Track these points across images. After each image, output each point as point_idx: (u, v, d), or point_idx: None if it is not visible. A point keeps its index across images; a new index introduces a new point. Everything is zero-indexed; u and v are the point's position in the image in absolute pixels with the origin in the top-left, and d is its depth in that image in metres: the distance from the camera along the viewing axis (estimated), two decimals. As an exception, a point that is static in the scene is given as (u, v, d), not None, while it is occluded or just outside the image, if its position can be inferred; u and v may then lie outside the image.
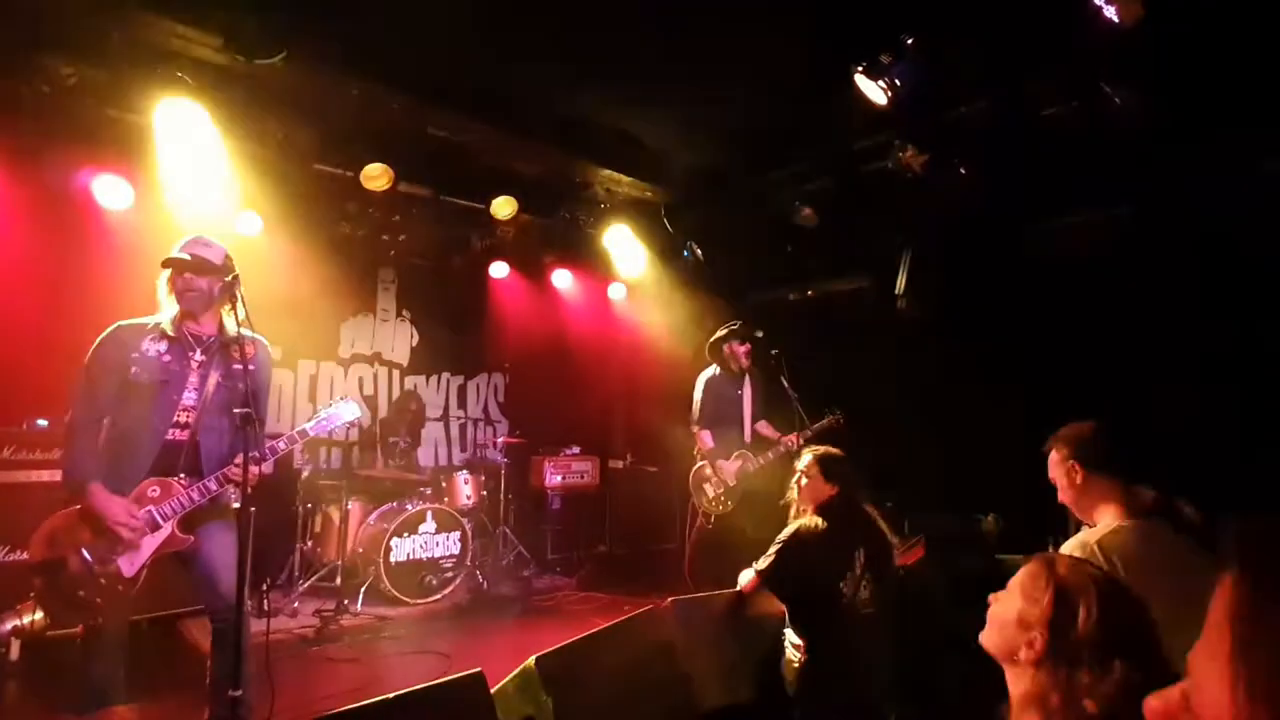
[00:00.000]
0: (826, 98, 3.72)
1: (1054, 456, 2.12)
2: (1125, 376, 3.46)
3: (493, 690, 2.04)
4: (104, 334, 2.59)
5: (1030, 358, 4.06)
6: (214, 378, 2.64)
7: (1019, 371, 4.07)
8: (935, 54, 3.05)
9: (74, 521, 2.47)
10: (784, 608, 2.86)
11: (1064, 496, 2.11)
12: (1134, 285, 3.55)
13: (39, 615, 3.36)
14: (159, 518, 2.52)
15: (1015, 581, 1.38)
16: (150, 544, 2.53)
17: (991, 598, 1.40)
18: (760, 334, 4.90)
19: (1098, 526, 1.96)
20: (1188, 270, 3.35)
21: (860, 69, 3.20)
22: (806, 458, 2.99)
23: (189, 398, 2.63)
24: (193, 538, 2.58)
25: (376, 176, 4.77)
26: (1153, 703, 0.53)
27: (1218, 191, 3.16)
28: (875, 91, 3.26)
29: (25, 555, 3.60)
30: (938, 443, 4.51)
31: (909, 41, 3.02)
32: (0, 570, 3.62)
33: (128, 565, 2.50)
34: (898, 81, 3.12)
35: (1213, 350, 3.23)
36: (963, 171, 3.76)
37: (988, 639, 1.36)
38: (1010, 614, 1.32)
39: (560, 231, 5.99)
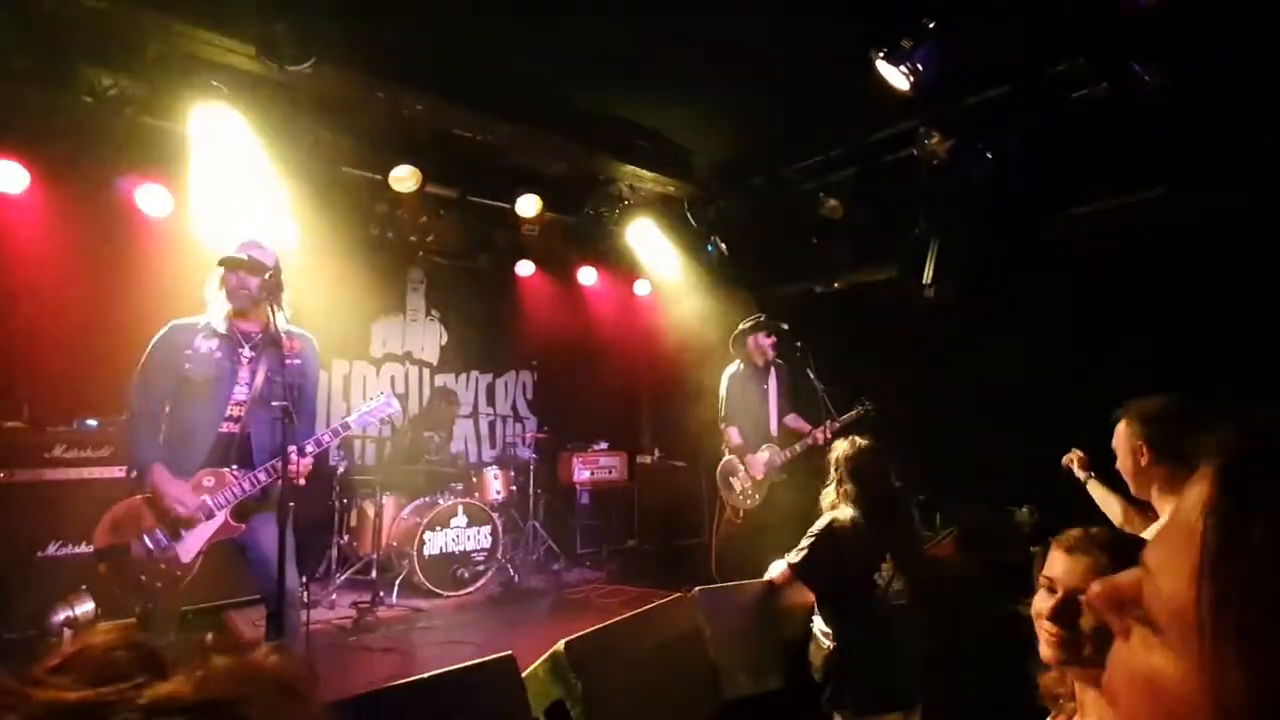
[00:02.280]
0: (848, 86, 3.70)
1: (1122, 428, 1.97)
2: (1159, 365, 3.37)
3: (523, 674, 2.08)
4: (160, 332, 2.74)
5: (1062, 345, 3.98)
6: (263, 372, 2.75)
7: (1051, 360, 3.99)
8: (957, 37, 3.01)
9: (136, 510, 2.60)
10: (813, 597, 2.85)
11: (1122, 468, 1.99)
12: (1167, 270, 3.46)
13: (90, 605, 3.53)
14: (214, 506, 2.63)
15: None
16: (205, 531, 2.65)
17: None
18: (785, 326, 4.88)
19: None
20: (1221, 254, 3.25)
21: (881, 55, 3.17)
22: (838, 449, 2.97)
23: (240, 392, 2.75)
24: (244, 526, 2.69)
25: (404, 178, 4.86)
26: (1097, 588, 0.49)
27: (1251, 172, 3.06)
28: (897, 77, 3.23)
29: (77, 549, 3.80)
30: (970, 433, 4.45)
31: (930, 25, 2.99)
32: (54, 563, 3.79)
33: (185, 552, 2.62)
34: (919, 66, 3.08)
35: (1249, 337, 3.13)
36: (989, 156, 3.71)
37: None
38: (1038, 606, 1.30)
39: (585, 229, 6.03)
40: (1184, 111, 2.96)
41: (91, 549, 2.62)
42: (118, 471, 3.87)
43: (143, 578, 2.57)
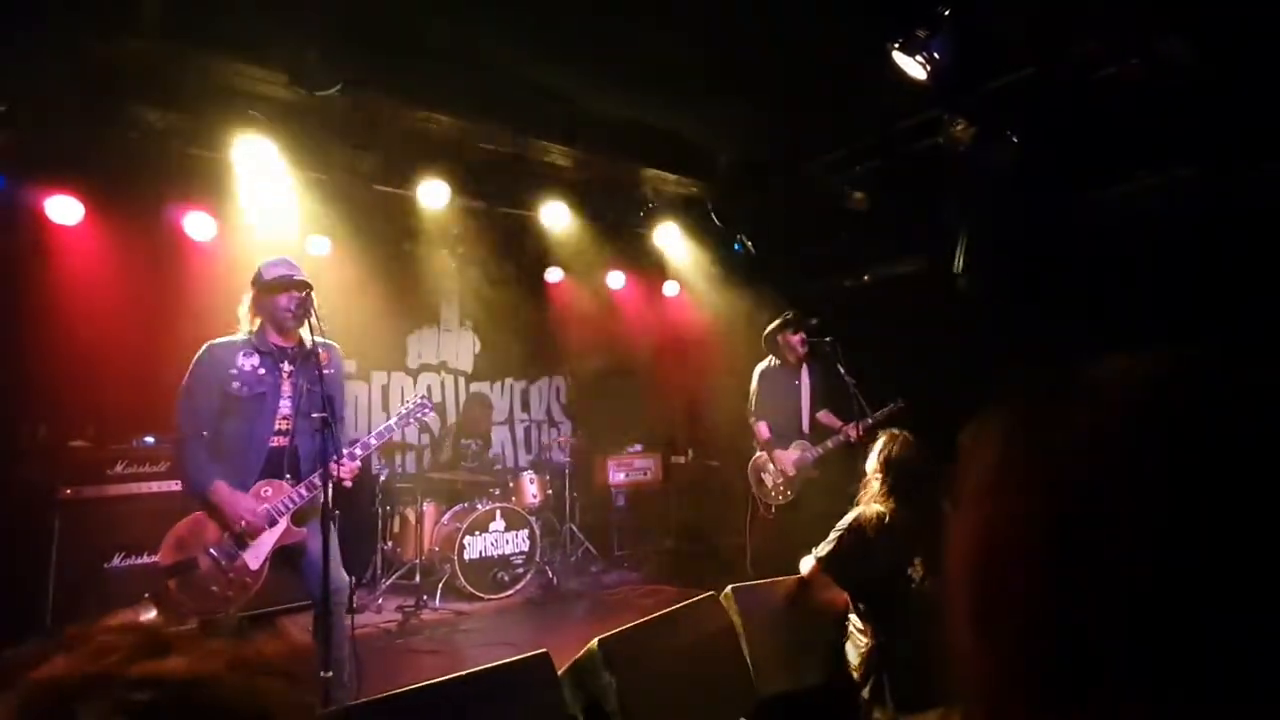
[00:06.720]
0: (869, 77, 3.68)
1: None
2: (1197, 347, 3.27)
3: (559, 671, 2.13)
4: (199, 353, 2.85)
5: (1097, 330, 3.89)
6: (303, 385, 2.87)
7: (1087, 345, 3.90)
8: (973, 23, 2.98)
9: (198, 525, 2.74)
10: (848, 593, 2.85)
11: None
12: (1200, 250, 3.35)
13: (154, 614, 3.70)
14: (275, 514, 2.77)
15: None
16: (270, 538, 2.78)
17: None
18: (815, 322, 4.86)
19: None
20: (1263, 232, 3.14)
21: (896, 45, 3.15)
22: (875, 444, 2.96)
23: (285, 406, 2.88)
24: (305, 530, 2.82)
25: (433, 193, 5.00)
26: None
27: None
28: (914, 67, 3.21)
29: (140, 560, 4.00)
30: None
31: (945, 13, 2.97)
32: (119, 574, 4.00)
33: (253, 559, 2.76)
34: (936, 55, 3.06)
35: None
36: (1014, 141, 3.65)
37: None
38: None
39: (611, 233, 6.10)
40: (1215, 85, 2.88)
41: (155, 561, 2.75)
42: (175, 485, 4.07)
43: (214, 589, 2.70)
